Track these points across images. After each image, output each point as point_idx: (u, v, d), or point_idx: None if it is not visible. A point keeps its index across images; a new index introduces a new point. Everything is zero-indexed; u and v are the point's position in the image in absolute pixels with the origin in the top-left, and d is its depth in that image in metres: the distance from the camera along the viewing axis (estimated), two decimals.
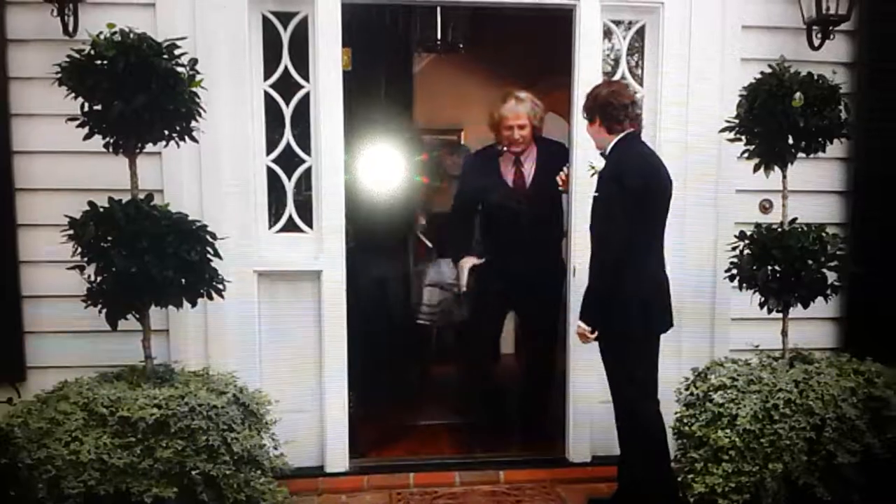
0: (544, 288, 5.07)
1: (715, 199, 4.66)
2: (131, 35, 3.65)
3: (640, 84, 4.77)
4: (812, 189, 4.73)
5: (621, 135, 4.01)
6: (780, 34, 4.68)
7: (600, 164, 4.03)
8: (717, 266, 4.39)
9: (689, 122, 4.56)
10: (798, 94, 3.97)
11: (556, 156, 5.01)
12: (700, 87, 4.62)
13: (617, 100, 4.00)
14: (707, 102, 4.59)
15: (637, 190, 3.90)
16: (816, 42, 4.63)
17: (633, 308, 3.96)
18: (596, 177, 4.04)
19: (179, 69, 3.74)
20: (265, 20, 4.49)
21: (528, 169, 5.16)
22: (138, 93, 3.59)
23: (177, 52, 3.73)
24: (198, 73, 3.81)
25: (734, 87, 4.32)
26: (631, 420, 4.09)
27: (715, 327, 4.66)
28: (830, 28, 4.58)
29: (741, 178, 4.50)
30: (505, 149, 5.11)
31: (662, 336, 4.13)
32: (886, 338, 4.51)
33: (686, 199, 4.53)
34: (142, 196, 3.80)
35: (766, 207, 4.72)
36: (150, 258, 3.62)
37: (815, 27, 4.61)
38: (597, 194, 4.00)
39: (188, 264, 3.75)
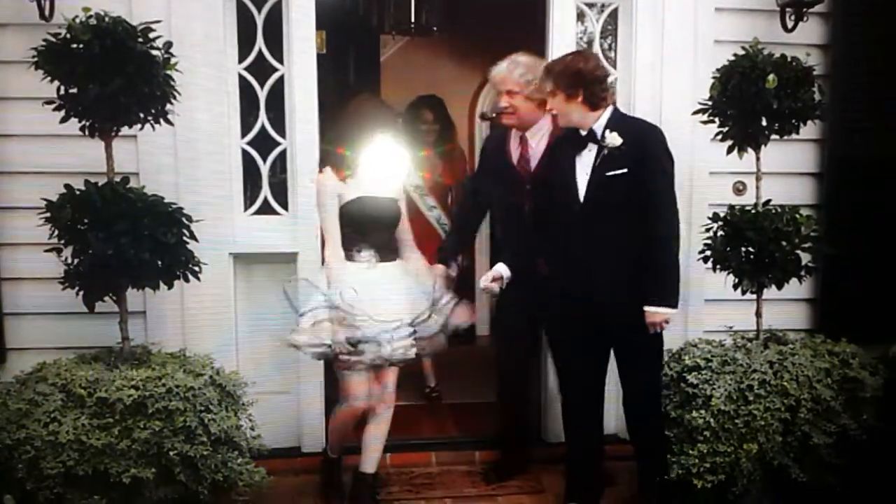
0: None
1: (689, 180, 4.63)
2: (107, 19, 3.66)
3: (614, 66, 4.77)
4: (785, 171, 4.75)
5: (609, 111, 3.86)
6: (754, 16, 4.69)
7: (612, 138, 3.78)
8: (691, 248, 4.36)
9: (663, 104, 4.57)
10: (772, 76, 3.95)
11: (556, 144, 4.25)
12: (673, 70, 4.64)
13: (602, 72, 3.88)
14: (680, 85, 4.60)
15: (673, 161, 3.87)
16: (790, 24, 4.64)
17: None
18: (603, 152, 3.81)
19: (154, 52, 3.75)
20: (239, 3, 4.50)
21: (536, 147, 4.32)
22: (114, 76, 3.60)
23: (152, 35, 3.75)
24: (172, 56, 3.82)
25: (707, 69, 4.30)
26: (658, 410, 4.05)
27: (688, 308, 4.58)
28: (804, 10, 4.59)
29: (714, 160, 4.51)
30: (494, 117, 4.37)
31: None
32: (859, 319, 4.58)
33: None
34: (118, 179, 3.82)
35: (739, 189, 4.75)
36: (126, 240, 3.63)
37: (788, 9, 4.62)
38: (624, 171, 3.75)
39: (164, 246, 3.76)
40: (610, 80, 3.91)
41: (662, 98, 4.58)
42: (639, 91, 4.69)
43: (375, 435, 4.23)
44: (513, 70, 4.21)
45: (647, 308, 3.77)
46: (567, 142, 3.96)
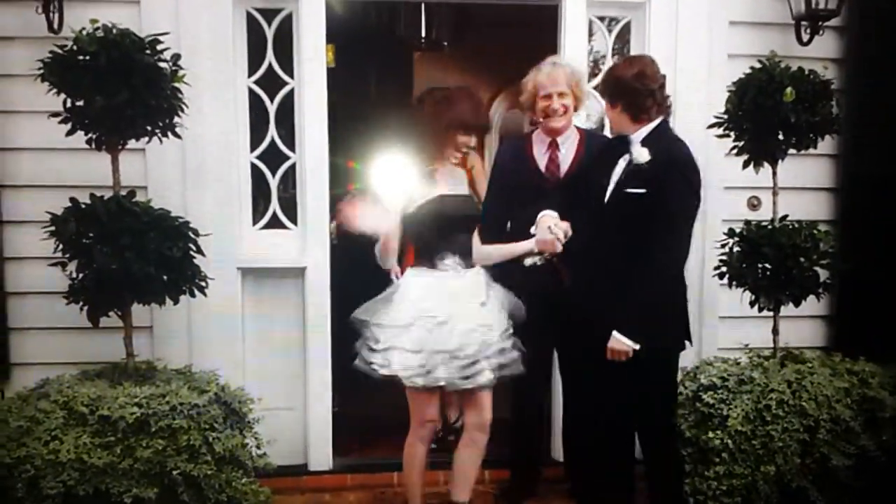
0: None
1: (703, 196, 4.54)
2: (114, 31, 3.65)
3: None
4: (800, 186, 4.70)
5: (653, 124, 3.65)
6: (768, 30, 4.66)
7: (639, 154, 3.59)
8: (705, 264, 4.36)
9: (676, 118, 4.41)
10: (789, 89, 3.91)
11: (603, 147, 4.04)
12: (687, 84, 4.57)
13: (643, 84, 3.60)
14: (694, 99, 4.55)
15: (698, 188, 3.63)
16: (805, 37, 4.61)
17: (683, 320, 3.75)
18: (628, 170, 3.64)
19: (162, 65, 3.74)
20: (249, 17, 4.49)
21: (566, 154, 4.14)
22: (120, 88, 3.59)
23: (159, 47, 3.73)
24: (181, 68, 3.81)
25: (721, 83, 4.28)
26: (671, 438, 3.92)
27: (703, 326, 4.58)
28: (820, 23, 4.56)
29: (728, 175, 4.47)
30: (540, 122, 4.12)
31: None
32: (877, 336, 4.49)
33: None
34: (124, 192, 3.79)
35: (754, 204, 4.71)
36: (131, 255, 3.60)
37: (803, 22, 4.59)
38: (643, 191, 3.57)
39: (170, 261, 3.73)
40: (660, 92, 3.67)
41: (676, 112, 4.40)
42: None
43: (468, 461, 3.94)
44: (561, 70, 4.05)
45: (614, 332, 3.57)
46: (615, 145, 3.82)
